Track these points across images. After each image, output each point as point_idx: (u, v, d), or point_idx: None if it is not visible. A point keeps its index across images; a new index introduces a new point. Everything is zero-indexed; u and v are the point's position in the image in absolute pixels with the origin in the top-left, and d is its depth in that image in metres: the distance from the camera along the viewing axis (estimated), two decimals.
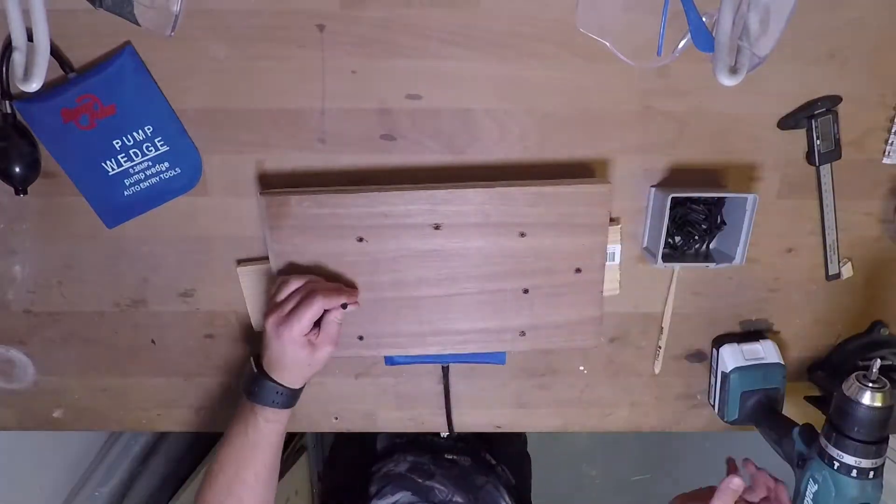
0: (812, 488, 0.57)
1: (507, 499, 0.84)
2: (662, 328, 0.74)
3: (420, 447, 0.88)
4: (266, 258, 0.68)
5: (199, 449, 1.33)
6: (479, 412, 0.79)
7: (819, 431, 0.58)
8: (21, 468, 0.98)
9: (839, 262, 0.72)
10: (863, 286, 0.73)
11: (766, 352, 0.71)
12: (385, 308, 0.67)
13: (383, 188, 0.63)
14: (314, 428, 0.80)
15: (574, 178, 0.65)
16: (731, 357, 0.71)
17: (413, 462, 0.85)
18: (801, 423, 0.62)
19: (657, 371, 0.77)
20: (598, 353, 0.76)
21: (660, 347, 0.75)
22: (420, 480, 0.82)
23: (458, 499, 0.80)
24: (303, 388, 0.65)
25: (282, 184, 0.67)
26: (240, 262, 0.70)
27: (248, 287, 0.70)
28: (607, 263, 0.68)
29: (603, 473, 1.93)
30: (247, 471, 0.64)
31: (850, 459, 0.53)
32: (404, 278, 0.66)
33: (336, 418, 0.79)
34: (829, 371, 0.75)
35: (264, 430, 0.63)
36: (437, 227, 0.64)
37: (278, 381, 0.62)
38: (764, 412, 0.69)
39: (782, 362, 0.71)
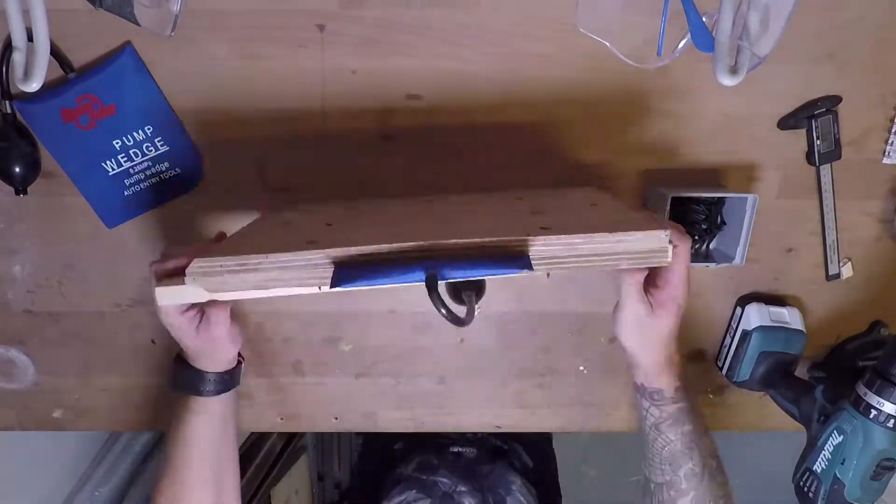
0: (835, 440, 0.57)
1: (519, 480, 0.85)
2: None
3: (427, 445, 0.89)
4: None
5: None
6: (479, 412, 0.79)
7: (845, 387, 0.59)
8: (21, 468, 0.97)
9: (839, 262, 0.72)
10: (863, 286, 0.73)
11: (791, 317, 0.70)
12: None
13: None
14: (314, 428, 0.80)
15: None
16: (756, 315, 0.70)
17: (419, 461, 0.86)
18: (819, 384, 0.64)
19: None
20: (598, 353, 0.76)
21: None
22: (424, 477, 0.82)
23: (462, 488, 0.81)
24: (230, 372, 0.62)
25: (282, 183, 0.67)
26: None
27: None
28: None
29: (603, 473, 1.93)
30: (185, 472, 0.62)
31: (890, 408, 0.54)
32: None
33: (336, 418, 0.79)
34: (829, 371, 0.75)
35: (192, 423, 0.61)
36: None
37: (196, 367, 0.61)
38: (779, 375, 0.69)
39: (805, 331, 0.70)
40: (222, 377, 0.62)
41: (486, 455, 0.89)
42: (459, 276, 0.45)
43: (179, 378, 0.62)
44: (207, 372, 0.61)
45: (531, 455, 0.95)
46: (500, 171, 0.67)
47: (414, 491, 0.80)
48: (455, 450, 0.88)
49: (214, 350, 0.61)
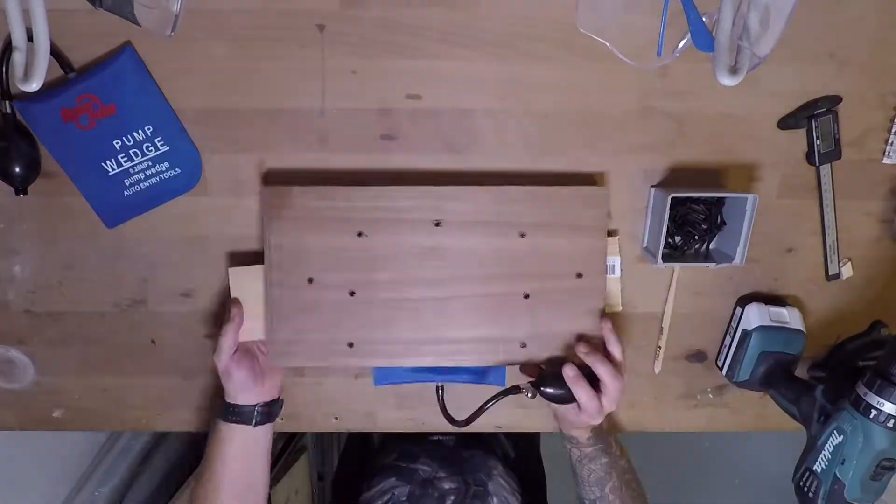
0: (835, 440, 0.57)
1: (500, 466, 0.85)
2: (662, 328, 0.74)
3: (407, 436, 0.89)
4: (258, 261, 0.67)
5: (199, 449, 1.32)
6: None
7: (845, 388, 0.59)
8: (21, 468, 0.97)
9: (839, 262, 0.72)
10: (863, 286, 0.73)
11: (791, 317, 0.70)
12: (380, 310, 0.66)
13: (386, 188, 0.64)
14: (314, 428, 0.80)
15: (573, 184, 0.65)
16: (756, 315, 0.70)
17: (400, 450, 0.87)
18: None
19: (657, 371, 0.76)
20: None
21: (660, 347, 0.75)
22: (404, 465, 0.83)
23: (441, 473, 0.81)
24: (255, 407, 0.68)
25: (282, 183, 0.67)
26: (232, 263, 0.69)
27: (238, 290, 0.68)
28: (608, 276, 0.68)
29: None
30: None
31: (890, 408, 0.54)
32: (402, 277, 0.65)
33: (336, 418, 0.79)
34: (829, 371, 0.75)
35: (216, 440, 0.69)
36: (437, 224, 0.64)
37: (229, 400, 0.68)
38: (779, 375, 0.69)
39: (805, 331, 0.70)
40: (235, 409, 0.68)
41: (466, 442, 0.89)
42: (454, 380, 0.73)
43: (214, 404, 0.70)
44: (227, 402, 0.68)
45: (513, 444, 0.95)
46: (500, 173, 0.67)
47: (393, 478, 0.81)
48: (435, 438, 0.88)
49: (224, 380, 0.67)
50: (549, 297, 0.66)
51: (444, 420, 0.79)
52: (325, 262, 0.65)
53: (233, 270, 0.68)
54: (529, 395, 0.65)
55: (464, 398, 0.78)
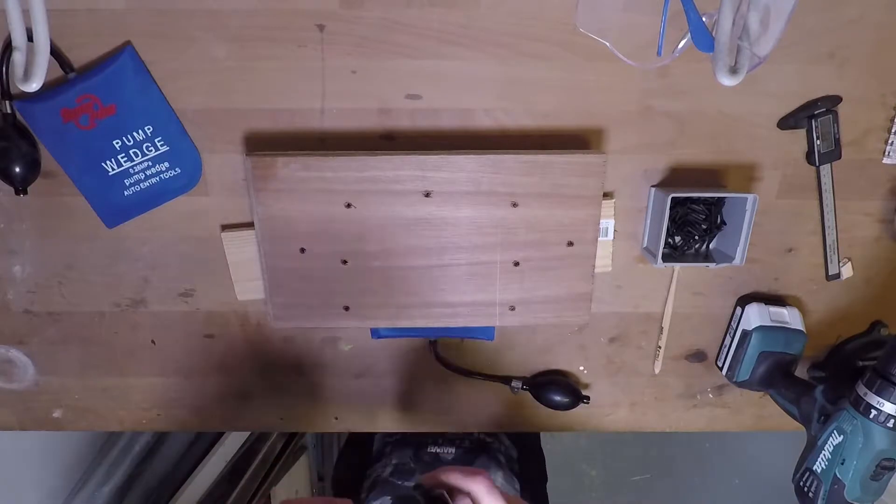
0: (835, 440, 0.57)
1: (501, 475, 0.84)
2: (662, 328, 0.74)
3: (406, 445, 0.88)
4: (251, 224, 0.67)
5: (199, 449, 1.33)
6: (480, 412, 0.79)
7: (845, 387, 0.59)
8: (21, 468, 0.98)
9: (839, 262, 0.72)
10: (863, 286, 0.73)
11: (791, 317, 0.70)
12: (373, 278, 0.66)
13: (373, 153, 0.63)
14: (314, 428, 0.80)
15: (568, 143, 0.65)
16: (756, 315, 0.70)
17: (396, 464, 0.85)
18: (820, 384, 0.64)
19: (657, 371, 0.77)
20: (598, 353, 0.76)
21: (660, 347, 0.75)
22: (399, 482, 0.81)
23: (436, 492, 0.79)
24: None
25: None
26: (224, 227, 0.69)
27: (233, 254, 0.69)
28: (600, 239, 0.68)
29: (603, 473, 1.93)
30: None
31: (890, 408, 0.54)
32: (393, 247, 0.65)
33: (336, 418, 0.79)
34: (829, 371, 0.75)
35: None
36: (427, 195, 0.63)
37: None
38: (779, 375, 0.69)
39: (805, 331, 0.70)
40: None
41: (465, 454, 0.87)
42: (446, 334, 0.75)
43: None
44: None
45: (515, 443, 0.94)
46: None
47: (389, 498, 0.79)
48: (433, 450, 0.87)
49: None
50: (539, 264, 0.66)
51: (444, 419, 0.80)
52: (314, 233, 0.64)
53: (226, 235, 0.68)
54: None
55: (464, 400, 0.79)
